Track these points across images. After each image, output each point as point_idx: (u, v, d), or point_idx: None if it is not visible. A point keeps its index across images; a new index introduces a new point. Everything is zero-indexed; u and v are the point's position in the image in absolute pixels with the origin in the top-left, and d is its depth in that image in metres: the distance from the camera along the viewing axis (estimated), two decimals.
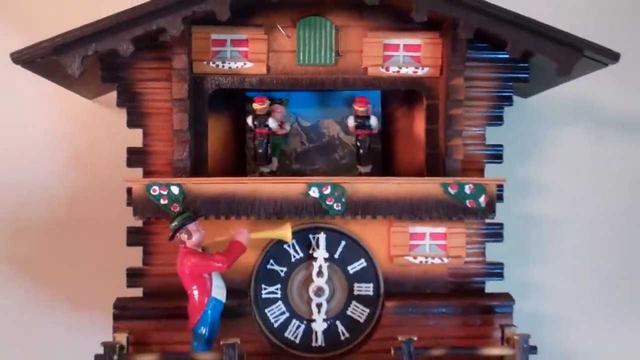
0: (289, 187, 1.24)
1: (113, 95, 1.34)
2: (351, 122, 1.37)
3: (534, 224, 1.62)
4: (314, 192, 1.23)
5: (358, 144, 1.36)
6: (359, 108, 1.34)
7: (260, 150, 1.31)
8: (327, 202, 1.23)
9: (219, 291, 1.20)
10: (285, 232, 1.26)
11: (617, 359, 1.64)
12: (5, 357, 1.58)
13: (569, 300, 1.63)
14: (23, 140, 1.57)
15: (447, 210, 1.25)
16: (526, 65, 1.33)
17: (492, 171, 1.36)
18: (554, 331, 1.62)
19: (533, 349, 1.23)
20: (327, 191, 1.23)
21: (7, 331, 1.57)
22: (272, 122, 1.31)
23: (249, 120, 1.33)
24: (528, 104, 1.58)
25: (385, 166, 1.46)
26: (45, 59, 1.22)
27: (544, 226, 1.62)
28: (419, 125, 1.34)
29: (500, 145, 1.35)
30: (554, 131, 1.63)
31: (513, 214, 1.54)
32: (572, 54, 1.20)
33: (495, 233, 1.35)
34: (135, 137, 1.33)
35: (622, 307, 1.64)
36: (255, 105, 1.30)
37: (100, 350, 1.23)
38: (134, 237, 1.32)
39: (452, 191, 1.24)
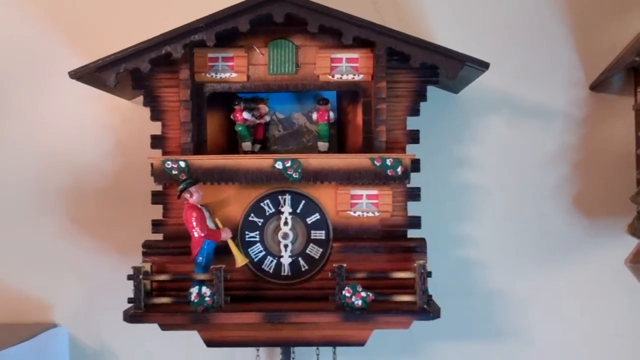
0: (262, 162, 1.56)
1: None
2: (315, 116, 1.66)
3: (467, 190, 1.85)
4: (279, 165, 1.55)
5: None
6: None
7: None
8: (288, 172, 1.55)
9: None
10: (241, 261, 1.57)
11: (532, 294, 1.85)
12: (70, 292, 1.87)
13: (495, 250, 1.85)
14: (80, 130, 1.86)
15: (374, 177, 1.55)
16: (436, 71, 1.59)
17: (416, 149, 1.61)
18: (482, 274, 1.86)
19: (429, 274, 1.51)
20: (288, 164, 1.55)
21: (71, 274, 1.87)
22: (246, 115, 1.64)
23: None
24: (460, 98, 1.83)
25: (339, 146, 1.71)
26: (91, 75, 1.55)
27: (475, 192, 1.85)
28: (359, 116, 1.62)
29: (417, 130, 1.62)
30: (482, 117, 1.85)
31: (449, 182, 1.85)
32: (456, 64, 1.52)
33: (414, 194, 1.62)
34: (157, 127, 1.65)
35: (537, 255, 1.85)
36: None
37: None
38: (156, 198, 1.63)
39: (377, 163, 1.55)
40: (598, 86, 1.84)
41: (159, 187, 1.64)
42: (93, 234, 1.88)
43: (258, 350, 1.77)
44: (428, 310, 1.53)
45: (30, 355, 1.72)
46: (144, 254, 1.62)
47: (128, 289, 1.58)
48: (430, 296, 1.57)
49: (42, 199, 1.88)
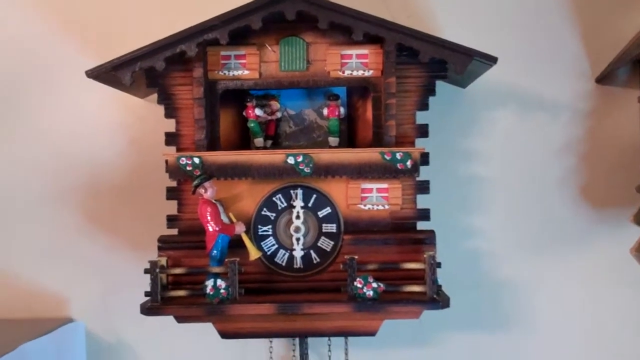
0: (274, 157, 1.58)
1: (156, 95, 1.67)
2: (325, 112, 1.69)
3: (475, 183, 1.87)
4: (291, 160, 1.58)
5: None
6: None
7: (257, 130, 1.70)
8: (300, 167, 1.58)
9: None
10: (255, 254, 1.60)
11: (540, 284, 1.88)
12: (86, 287, 1.90)
13: (502, 241, 1.87)
14: (96, 128, 1.89)
15: (384, 171, 1.58)
16: (445, 66, 1.60)
17: (425, 143, 1.65)
18: (490, 265, 1.88)
19: (438, 265, 1.55)
20: (300, 159, 1.58)
21: (87, 270, 1.91)
22: (258, 111, 1.67)
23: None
24: (468, 92, 1.85)
25: (349, 140, 1.73)
26: (107, 74, 1.58)
27: (483, 184, 1.87)
28: (369, 111, 1.64)
29: (426, 125, 1.65)
30: (489, 111, 1.87)
31: (458, 175, 1.87)
32: (465, 59, 1.55)
33: (424, 187, 1.66)
34: (171, 125, 1.67)
35: (544, 246, 1.88)
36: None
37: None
38: (171, 193, 1.66)
39: (387, 157, 1.57)
40: (604, 79, 1.86)
41: (173, 183, 1.67)
42: (108, 230, 1.92)
43: (271, 341, 1.80)
44: (438, 300, 1.56)
45: (48, 350, 1.76)
46: (160, 248, 1.65)
47: (143, 284, 1.61)
48: (440, 286, 1.60)
49: (58, 196, 1.91)
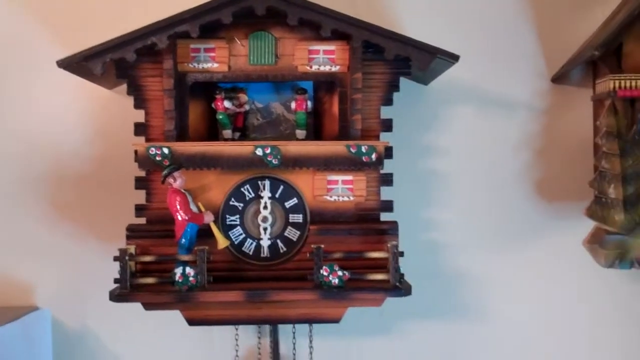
0: (242, 148, 1.61)
1: (124, 86, 1.69)
2: (293, 105, 1.71)
3: (436, 176, 1.92)
4: (259, 152, 1.60)
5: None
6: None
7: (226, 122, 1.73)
8: (268, 158, 1.60)
9: None
10: (223, 243, 1.62)
11: (497, 274, 1.93)
12: (52, 276, 1.91)
13: (461, 233, 1.92)
14: (62, 118, 1.90)
15: (350, 163, 1.62)
16: (409, 63, 1.64)
17: (389, 137, 1.69)
18: (450, 256, 1.93)
19: (401, 254, 1.59)
20: (268, 151, 1.60)
21: (52, 258, 1.91)
22: (227, 104, 1.70)
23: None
24: (430, 89, 1.89)
25: (316, 134, 1.76)
26: (78, 64, 1.58)
27: (443, 177, 1.92)
28: (335, 105, 1.68)
29: (390, 119, 1.69)
30: (449, 108, 1.92)
31: (420, 169, 1.91)
32: (428, 57, 1.59)
33: (387, 180, 1.69)
34: (140, 115, 1.68)
35: (502, 238, 1.93)
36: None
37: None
38: (140, 183, 1.67)
39: (352, 150, 1.61)
40: (559, 78, 1.92)
41: (141, 173, 1.68)
42: (73, 219, 1.92)
43: (237, 328, 1.84)
44: (400, 287, 1.61)
45: (14, 337, 1.77)
46: (128, 237, 1.66)
47: (109, 272, 1.63)
48: (403, 274, 1.66)
49: (23, 186, 1.92)
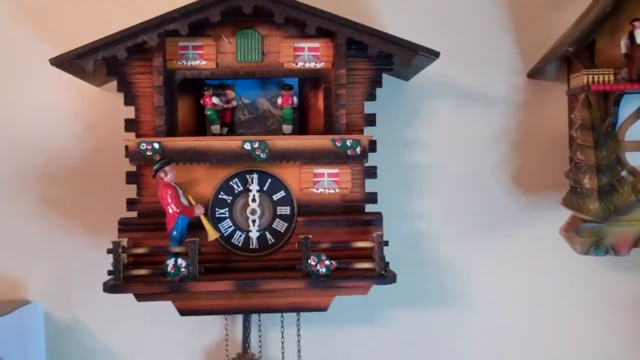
0: (231, 143, 1.65)
1: (114, 83, 1.72)
2: (279, 101, 1.76)
3: (418, 169, 1.96)
4: (247, 146, 1.64)
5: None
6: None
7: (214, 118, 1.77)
8: (256, 153, 1.65)
9: None
10: (213, 235, 1.66)
11: (477, 263, 1.98)
12: (43, 269, 1.92)
13: (442, 223, 1.97)
14: (51, 114, 1.91)
15: (335, 157, 1.67)
16: (391, 60, 1.71)
17: (372, 131, 1.73)
18: (431, 246, 1.97)
19: (386, 243, 1.64)
20: (256, 145, 1.65)
21: (43, 253, 1.92)
22: (215, 100, 1.74)
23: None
24: (411, 85, 1.93)
25: (302, 128, 1.80)
26: (70, 61, 1.61)
27: (424, 170, 1.96)
28: (320, 101, 1.73)
29: (374, 114, 1.73)
30: (430, 103, 1.96)
31: (402, 162, 1.95)
32: (410, 53, 1.64)
33: (371, 172, 1.74)
34: (130, 112, 1.71)
35: (481, 228, 1.98)
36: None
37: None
38: (131, 178, 1.70)
39: (338, 144, 1.66)
40: (535, 74, 1.97)
41: (131, 168, 1.71)
42: (64, 214, 1.94)
43: (227, 318, 1.88)
44: (386, 275, 1.67)
45: (7, 331, 1.79)
46: (120, 230, 1.70)
47: (100, 266, 1.69)
48: (388, 263, 1.71)
49: (11, 179, 1.93)
